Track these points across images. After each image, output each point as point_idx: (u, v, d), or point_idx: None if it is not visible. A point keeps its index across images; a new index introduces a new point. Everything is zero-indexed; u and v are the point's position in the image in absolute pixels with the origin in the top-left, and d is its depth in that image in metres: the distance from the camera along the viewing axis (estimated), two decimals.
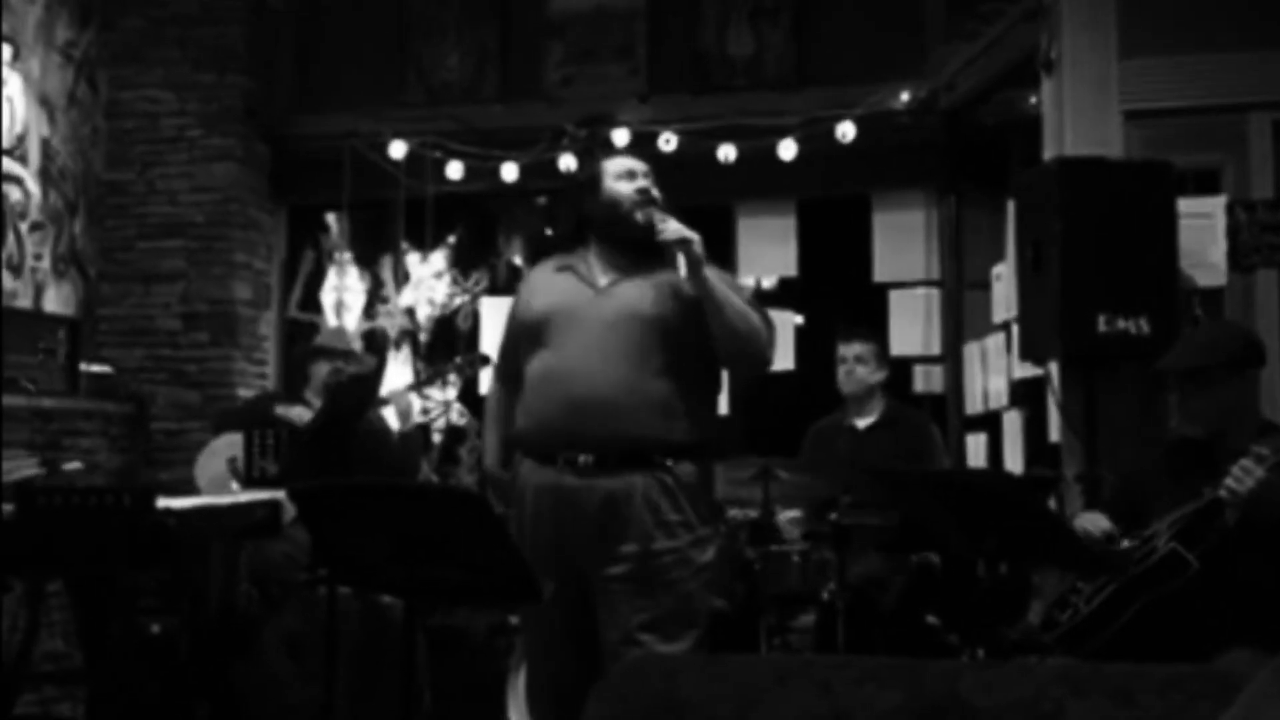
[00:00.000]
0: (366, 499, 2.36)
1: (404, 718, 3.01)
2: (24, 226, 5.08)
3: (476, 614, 4.28)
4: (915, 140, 5.29)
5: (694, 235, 2.62)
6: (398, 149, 5.50)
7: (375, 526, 2.31)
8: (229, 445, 4.10)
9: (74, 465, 4.48)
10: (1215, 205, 3.67)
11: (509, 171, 5.46)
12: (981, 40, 4.69)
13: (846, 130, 5.14)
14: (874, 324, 5.08)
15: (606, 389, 2.62)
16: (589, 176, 2.83)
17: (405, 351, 5.93)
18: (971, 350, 5.16)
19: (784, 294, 5.63)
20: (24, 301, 5.03)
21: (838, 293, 5.67)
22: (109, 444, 5.22)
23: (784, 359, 5.02)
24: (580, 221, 2.85)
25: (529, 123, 5.52)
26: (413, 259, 5.97)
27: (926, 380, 5.46)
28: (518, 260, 6.11)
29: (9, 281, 4.95)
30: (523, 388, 2.77)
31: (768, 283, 5.70)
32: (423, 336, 5.97)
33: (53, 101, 5.27)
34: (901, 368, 5.19)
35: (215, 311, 5.55)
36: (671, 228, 2.63)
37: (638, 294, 2.71)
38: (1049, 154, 3.91)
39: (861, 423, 4.39)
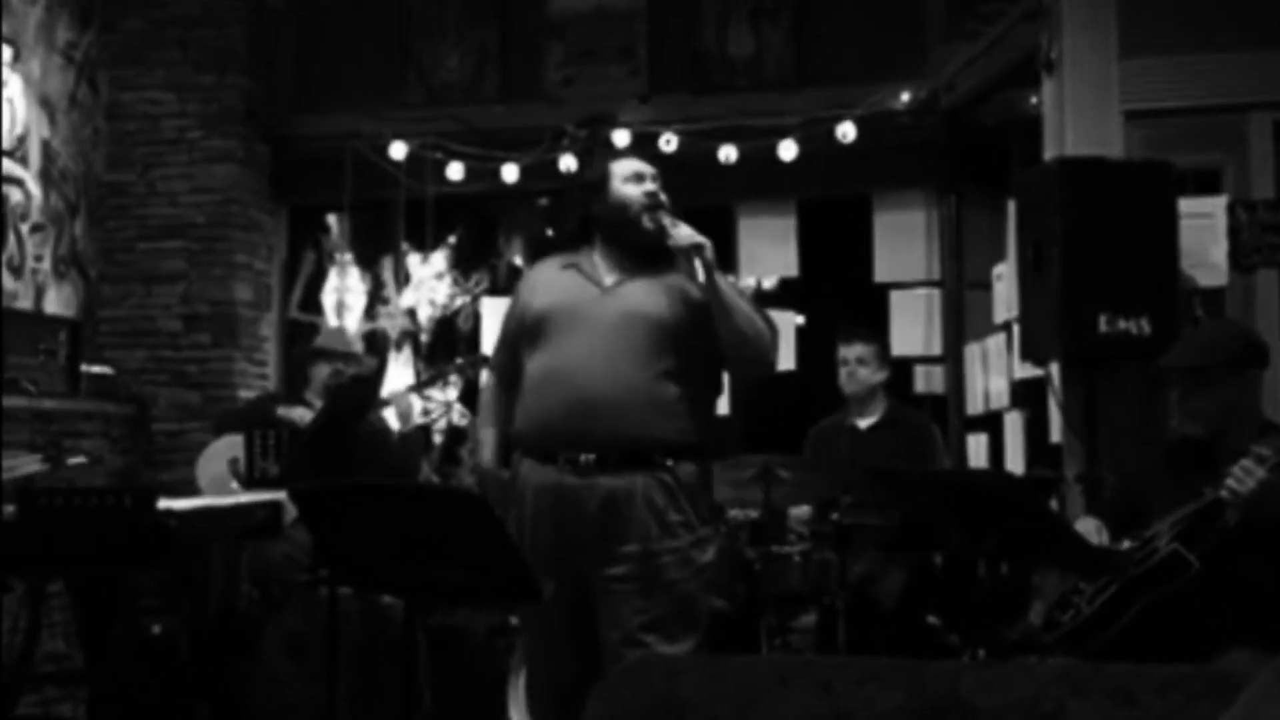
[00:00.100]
0: (367, 500, 2.36)
1: (405, 718, 3.01)
2: (25, 228, 5.08)
3: (477, 614, 4.28)
4: (916, 140, 5.29)
5: (706, 240, 2.64)
6: (398, 149, 5.50)
7: (376, 527, 2.31)
8: (230, 446, 4.11)
9: (78, 459, 4.49)
10: (1216, 205, 3.67)
11: (509, 172, 5.46)
12: (982, 40, 4.69)
13: (847, 130, 5.14)
14: (875, 324, 5.09)
15: (609, 388, 2.62)
16: (597, 177, 2.83)
17: (406, 352, 5.93)
18: (972, 351, 5.16)
19: (785, 294, 5.63)
20: (25, 303, 5.04)
21: (838, 293, 5.67)
22: (110, 445, 5.22)
23: (785, 359, 4.99)
24: (586, 221, 2.85)
25: (529, 123, 5.52)
26: (413, 260, 5.97)
27: (927, 381, 5.46)
28: (518, 261, 6.11)
29: (10, 283, 4.95)
30: (521, 386, 2.77)
31: (768, 283, 5.70)
32: (423, 337, 5.97)
33: (53, 103, 5.27)
34: (902, 368, 5.19)
35: (216, 312, 5.56)
36: (684, 233, 2.65)
37: (644, 294, 2.71)
38: (1049, 154, 3.91)
39: (863, 423, 4.39)
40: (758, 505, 4.05)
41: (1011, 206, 3.93)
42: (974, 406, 5.12)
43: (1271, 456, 2.53)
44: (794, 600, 4.06)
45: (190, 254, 5.57)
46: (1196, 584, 2.59)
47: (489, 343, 5.28)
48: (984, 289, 4.92)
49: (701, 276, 2.62)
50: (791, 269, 5.58)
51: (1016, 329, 3.96)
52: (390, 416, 4.38)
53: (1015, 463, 4.65)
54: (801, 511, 4.28)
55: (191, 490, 4.16)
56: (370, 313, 5.96)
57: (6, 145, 4.94)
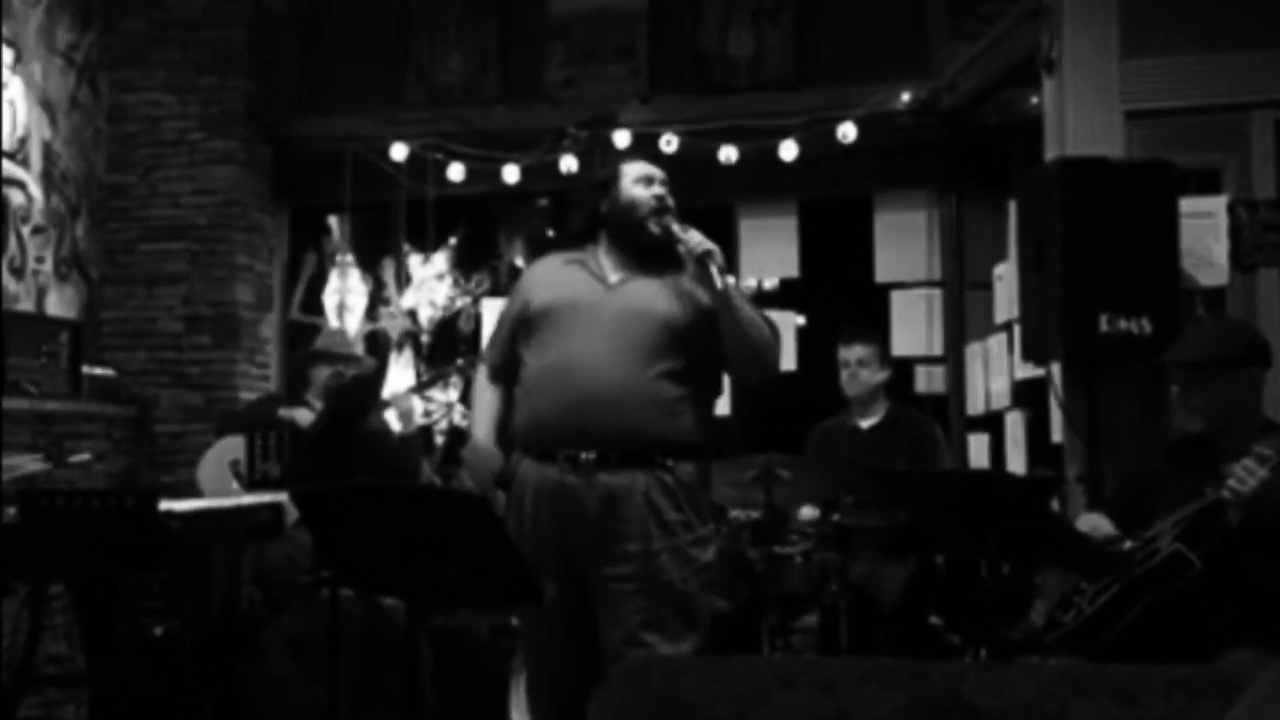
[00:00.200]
0: (368, 501, 2.36)
1: (406, 719, 3.01)
2: (26, 230, 5.08)
3: (479, 615, 4.28)
4: (916, 141, 5.28)
5: (716, 247, 2.66)
6: (399, 151, 5.50)
7: (377, 528, 2.31)
8: (231, 448, 4.11)
9: (82, 457, 4.50)
10: (1217, 205, 3.67)
11: (510, 173, 5.46)
12: (983, 40, 4.69)
13: (848, 131, 5.13)
14: (876, 325, 5.09)
15: (611, 385, 2.62)
16: (608, 176, 2.85)
17: (407, 353, 5.93)
18: (973, 351, 5.15)
19: (786, 295, 5.64)
20: (26, 305, 5.04)
21: (839, 293, 5.67)
22: (112, 447, 5.22)
23: (786, 360, 5.01)
24: (593, 219, 2.86)
25: (530, 124, 5.52)
26: (414, 261, 5.97)
27: (928, 381, 5.46)
28: (519, 262, 6.11)
29: (11, 285, 4.96)
30: (521, 382, 2.77)
31: (769, 283, 5.70)
32: (425, 338, 5.97)
33: (54, 105, 5.27)
34: (903, 368, 5.19)
35: (217, 314, 5.56)
36: (695, 238, 2.67)
37: (648, 293, 2.72)
38: (1050, 154, 3.90)
39: (865, 423, 4.39)
40: (759, 506, 4.04)
41: (1012, 206, 3.93)
42: (975, 406, 5.12)
43: (1273, 456, 2.53)
44: (796, 601, 4.05)
45: (191, 255, 5.57)
46: (1198, 584, 2.59)
47: None
48: (985, 289, 4.92)
49: (719, 283, 2.64)
50: (792, 269, 5.58)
51: (1017, 329, 3.96)
52: (391, 418, 4.38)
53: (1016, 463, 4.65)
54: (810, 512, 4.28)
55: (193, 492, 4.16)
56: (371, 314, 5.96)
57: (8, 147, 4.94)
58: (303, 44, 5.94)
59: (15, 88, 5.00)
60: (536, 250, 5.84)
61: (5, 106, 4.91)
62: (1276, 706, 1.44)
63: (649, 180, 2.80)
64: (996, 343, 4.79)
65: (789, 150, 5.20)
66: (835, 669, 1.88)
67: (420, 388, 4.84)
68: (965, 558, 3.48)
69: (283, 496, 3.47)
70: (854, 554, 3.90)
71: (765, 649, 3.95)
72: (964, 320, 5.35)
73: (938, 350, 5.45)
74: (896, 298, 5.49)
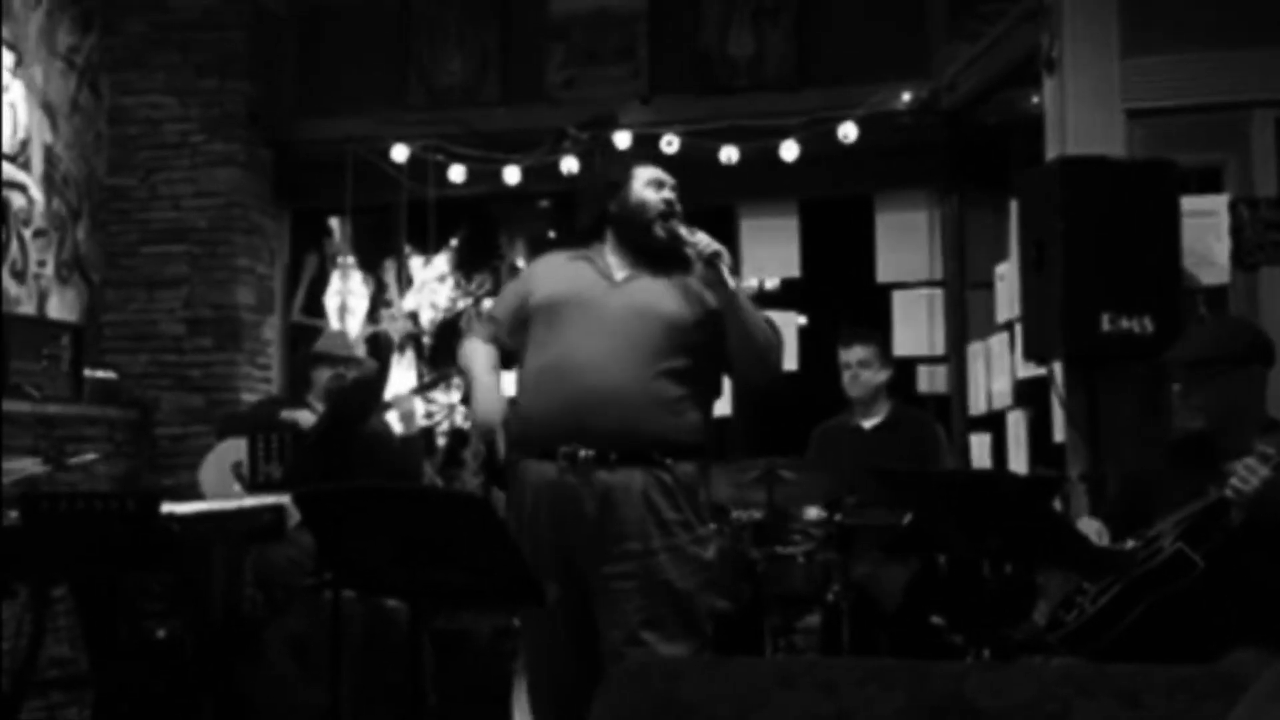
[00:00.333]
0: (370, 503, 2.36)
1: None
2: (28, 233, 5.09)
3: (481, 617, 4.28)
4: (917, 140, 5.28)
5: (723, 248, 2.67)
6: (400, 152, 5.50)
7: (379, 530, 2.31)
8: (233, 450, 4.11)
9: (87, 457, 4.50)
10: (1218, 203, 3.67)
11: (511, 174, 5.46)
12: (983, 40, 4.69)
13: (848, 131, 5.13)
14: (877, 325, 5.09)
15: (611, 383, 2.62)
16: (619, 176, 2.86)
17: (409, 355, 5.93)
18: (975, 350, 5.15)
19: (787, 295, 5.64)
20: (28, 308, 5.04)
21: (841, 293, 5.67)
22: (113, 449, 5.22)
23: (788, 360, 5.01)
24: (601, 218, 2.87)
25: (531, 125, 5.52)
26: (416, 262, 5.97)
27: (930, 380, 5.46)
28: (520, 263, 6.11)
29: (13, 288, 4.96)
30: (521, 379, 2.77)
31: (771, 284, 5.70)
32: (426, 340, 5.97)
33: (55, 107, 5.28)
34: (905, 368, 5.19)
35: (219, 316, 5.56)
36: (703, 240, 2.68)
37: (653, 291, 2.73)
38: (1051, 153, 3.90)
39: (867, 423, 4.39)
40: (761, 506, 4.04)
41: (1013, 206, 3.93)
42: (977, 406, 5.12)
43: (1275, 455, 2.52)
44: (798, 601, 4.05)
45: (193, 258, 5.58)
46: (1201, 583, 2.58)
47: None
48: (986, 288, 4.92)
49: (731, 283, 2.66)
50: (793, 269, 5.58)
51: (1019, 328, 3.96)
52: (393, 419, 4.38)
53: (1018, 462, 4.64)
54: (816, 512, 4.28)
55: (195, 494, 4.16)
56: (373, 316, 5.96)
57: (9, 150, 4.94)
58: (303, 46, 5.95)
59: (16, 91, 5.00)
60: (537, 251, 5.84)
61: (6, 109, 4.92)
62: (1279, 706, 1.44)
63: (659, 184, 2.82)
64: (998, 342, 4.79)
65: (790, 150, 5.20)
66: (836, 669, 1.88)
67: (422, 389, 4.83)
68: (967, 558, 3.48)
69: (285, 498, 3.47)
70: (856, 554, 3.90)
71: (768, 649, 3.95)
72: (965, 320, 5.34)
73: (939, 350, 5.45)
74: (898, 297, 5.49)
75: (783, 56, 5.49)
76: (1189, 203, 3.59)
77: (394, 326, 5.97)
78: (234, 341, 5.56)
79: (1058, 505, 3.67)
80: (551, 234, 6.09)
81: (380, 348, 5.90)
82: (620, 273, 2.79)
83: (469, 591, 2.45)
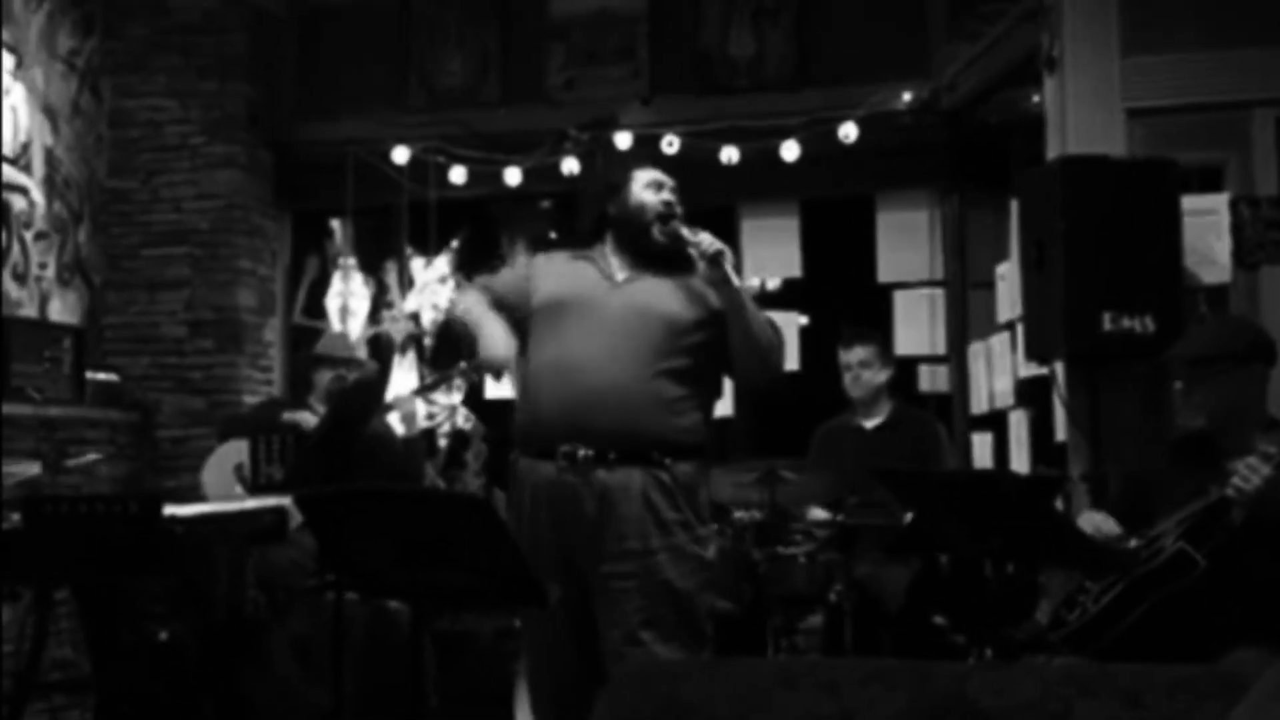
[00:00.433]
0: (371, 504, 2.36)
1: None
2: (29, 235, 5.09)
3: (483, 618, 4.28)
4: (918, 140, 5.28)
5: (726, 247, 2.68)
6: (400, 154, 5.51)
7: (380, 531, 2.31)
8: (235, 452, 4.11)
9: (90, 457, 4.50)
10: (1219, 202, 3.66)
11: (512, 175, 5.46)
12: (983, 40, 4.69)
13: (849, 131, 5.14)
14: (878, 325, 5.09)
15: (611, 382, 2.62)
16: (619, 178, 2.87)
17: (410, 356, 5.93)
18: (976, 350, 5.15)
19: (788, 295, 5.64)
20: (29, 310, 5.04)
21: (842, 293, 5.67)
22: (115, 452, 5.22)
23: (789, 360, 5.01)
24: (601, 220, 2.87)
25: (531, 126, 5.52)
26: (417, 264, 5.97)
27: (931, 380, 5.45)
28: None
29: (14, 290, 4.96)
30: (521, 378, 2.78)
31: (772, 284, 5.70)
32: (427, 341, 5.97)
33: (56, 110, 5.28)
34: (906, 368, 5.19)
35: (220, 318, 5.56)
36: (706, 240, 2.68)
37: (654, 291, 2.74)
38: (1052, 153, 3.90)
39: (869, 423, 4.39)
40: (763, 506, 4.04)
41: (1014, 205, 3.93)
42: (978, 406, 5.12)
43: (1277, 454, 2.52)
44: (800, 601, 4.06)
45: (194, 260, 5.58)
46: (1203, 582, 2.58)
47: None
48: (987, 288, 4.91)
49: (736, 281, 2.66)
50: (795, 270, 5.58)
51: (1020, 328, 3.95)
52: (394, 420, 4.38)
53: (1020, 462, 4.64)
54: (819, 513, 4.28)
55: (197, 496, 4.16)
56: (374, 317, 5.96)
57: (10, 153, 4.95)
58: (303, 48, 5.95)
59: (17, 94, 5.00)
60: (538, 252, 5.84)
61: (7, 112, 4.92)
62: None
63: (659, 186, 2.83)
64: (999, 342, 4.79)
65: (790, 150, 5.20)
66: (838, 670, 1.88)
67: (423, 390, 4.83)
68: (969, 557, 3.48)
69: (286, 500, 3.47)
70: (858, 554, 3.90)
71: (770, 650, 3.95)
72: (967, 319, 5.34)
73: (941, 350, 5.44)
74: (899, 297, 5.49)
75: (783, 57, 5.49)
76: (1190, 202, 3.59)
77: (395, 328, 5.97)
78: (235, 343, 5.56)
79: (1059, 505, 3.67)
80: (552, 235, 6.09)
81: (381, 349, 5.90)
82: (621, 274, 2.79)
83: (471, 593, 2.46)
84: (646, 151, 4.76)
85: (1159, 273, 3.49)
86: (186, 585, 3.47)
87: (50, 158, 5.23)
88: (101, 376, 5.23)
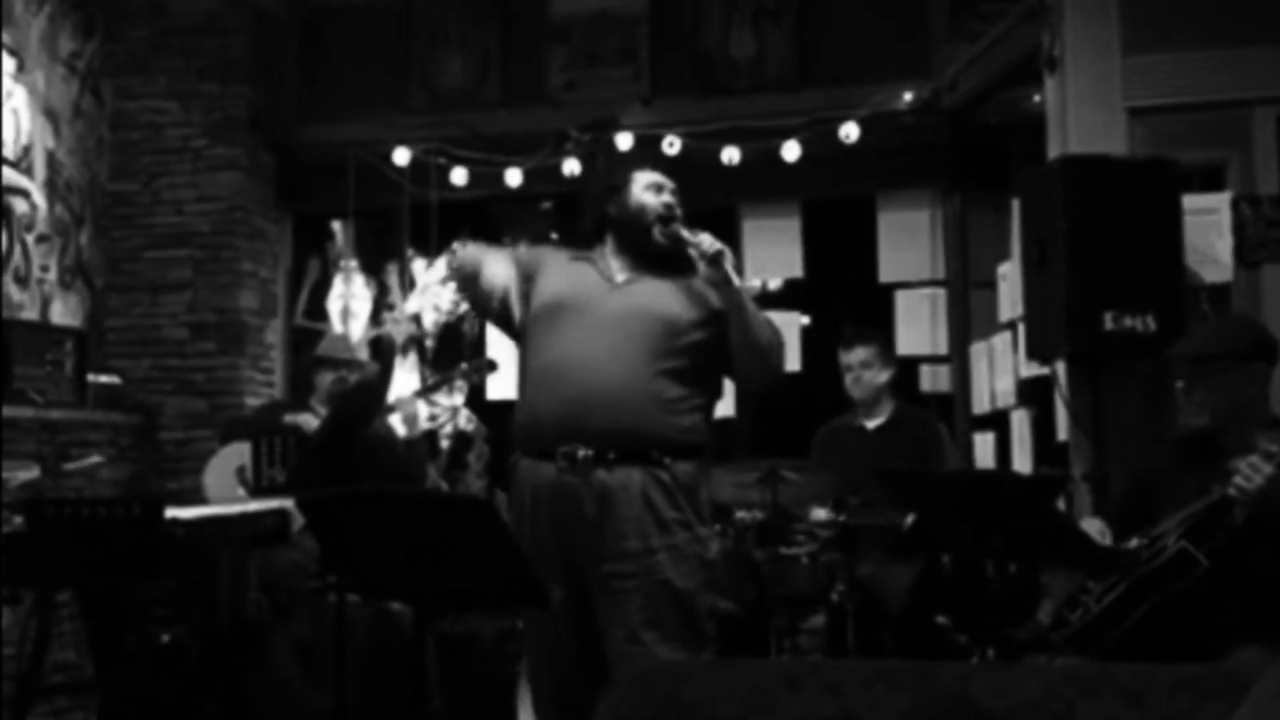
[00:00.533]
0: (373, 506, 2.36)
1: None
2: (30, 238, 5.09)
3: (485, 619, 4.28)
4: (919, 140, 5.28)
5: (727, 248, 2.68)
6: (402, 155, 5.51)
7: (383, 533, 2.31)
8: (237, 454, 4.11)
9: (92, 460, 4.50)
10: (1220, 201, 3.67)
11: (513, 176, 5.46)
12: (984, 40, 4.69)
13: (850, 131, 5.14)
14: (880, 324, 5.09)
15: (610, 382, 2.62)
16: (618, 180, 2.87)
17: (412, 358, 5.93)
18: (978, 349, 5.15)
19: (790, 295, 5.64)
20: (31, 313, 5.05)
21: (843, 293, 5.67)
22: (117, 454, 5.23)
23: (790, 361, 5.02)
24: (601, 221, 2.87)
25: (532, 127, 5.52)
26: (418, 265, 5.97)
27: (933, 380, 5.45)
28: None
29: (16, 293, 4.97)
30: (520, 379, 2.78)
31: (773, 284, 5.70)
32: (429, 342, 5.97)
33: (58, 113, 5.28)
34: (908, 368, 5.19)
35: (222, 321, 5.57)
36: (706, 240, 2.68)
37: (653, 292, 2.74)
38: (1053, 152, 3.90)
39: (871, 424, 4.39)
40: (765, 507, 4.04)
41: (1015, 205, 3.93)
42: (980, 405, 5.12)
43: (1279, 453, 2.52)
44: (802, 602, 4.05)
45: (196, 262, 5.59)
46: (1205, 582, 2.58)
47: (494, 347, 5.30)
48: (988, 288, 4.91)
49: (736, 281, 2.67)
50: (796, 270, 5.58)
51: (1022, 327, 3.95)
52: (396, 422, 4.38)
53: (1022, 461, 4.64)
54: (822, 513, 4.28)
55: (199, 499, 4.16)
56: (376, 319, 5.96)
57: (11, 156, 4.95)
58: (304, 50, 5.95)
59: (18, 96, 5.01)
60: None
61: (8, 115, 4.93)
62: None
63: (659, 188, 2.83)
64: (1001, 341, 4.79)
65: (791, 151, 5.20)
66: (841, 670, 1.88)
67: (425, 392, 4.82)
68: (971, 557, 3.48)
69: (289, 502, 3.47)
70: (860, 554, 3.90)
71: (772, 650, 3.95)
72: (968, 319, 5.34)
73: (942, 349, 5.44)
74: (900, 297, 5.49)
75: (784, 57, 5.49)
76: (1191, 201, 3.59)
77: (397, 329, 5.96)
78: (237, 346, 5.56)
79: (1061, 504, 3.67)
80: (554, 236, 6.09)
81: (383, 351, 5.90)
82: (621, 275, 2.80)
83: (473, 594, 2.46)
84: (647, 152, 4.76)
85: (1160, 272, 3.49)
86: (189, 588, 3.47)
87: (52, 160, 5.23)
88: (103, 379, 5.23)
